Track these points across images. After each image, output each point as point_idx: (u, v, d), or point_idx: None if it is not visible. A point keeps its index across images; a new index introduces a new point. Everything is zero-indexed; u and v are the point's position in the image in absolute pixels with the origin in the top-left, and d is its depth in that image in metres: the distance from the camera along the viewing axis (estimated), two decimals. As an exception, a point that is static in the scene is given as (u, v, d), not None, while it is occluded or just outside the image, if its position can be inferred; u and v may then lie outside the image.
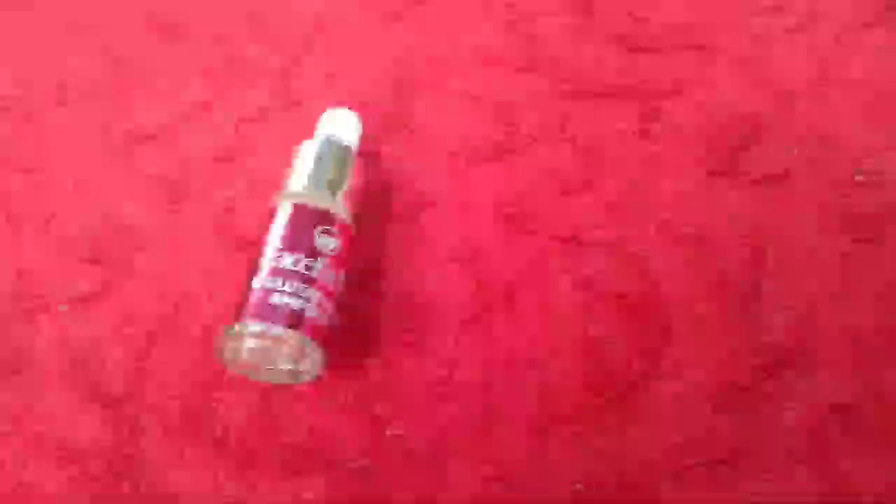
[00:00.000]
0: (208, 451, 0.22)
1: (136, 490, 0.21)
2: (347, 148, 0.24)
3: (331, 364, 0.22)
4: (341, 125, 0.25)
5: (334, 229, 0.22)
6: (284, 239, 0.22)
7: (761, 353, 0.23)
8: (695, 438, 0.22)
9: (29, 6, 0.31)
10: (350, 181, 0.24)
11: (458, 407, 0.22)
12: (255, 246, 0.22)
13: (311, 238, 0.22)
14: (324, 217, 0.22)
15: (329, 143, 0.24)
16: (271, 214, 0.22)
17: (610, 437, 0.22)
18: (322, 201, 0.22)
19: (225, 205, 0.26)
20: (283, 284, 0.21)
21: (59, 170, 0.27)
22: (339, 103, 0.28)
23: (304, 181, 0.23)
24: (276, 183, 0.24)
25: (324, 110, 0.28)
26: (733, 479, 0.21)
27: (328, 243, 0.22)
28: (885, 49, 0.28)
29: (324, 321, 0.21)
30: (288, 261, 0.21)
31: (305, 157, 0.23)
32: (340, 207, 0.23)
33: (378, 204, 0.26)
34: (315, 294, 0.21)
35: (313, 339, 0.21)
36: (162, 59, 0.30)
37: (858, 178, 0.25)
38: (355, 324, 0.24)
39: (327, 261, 0.22)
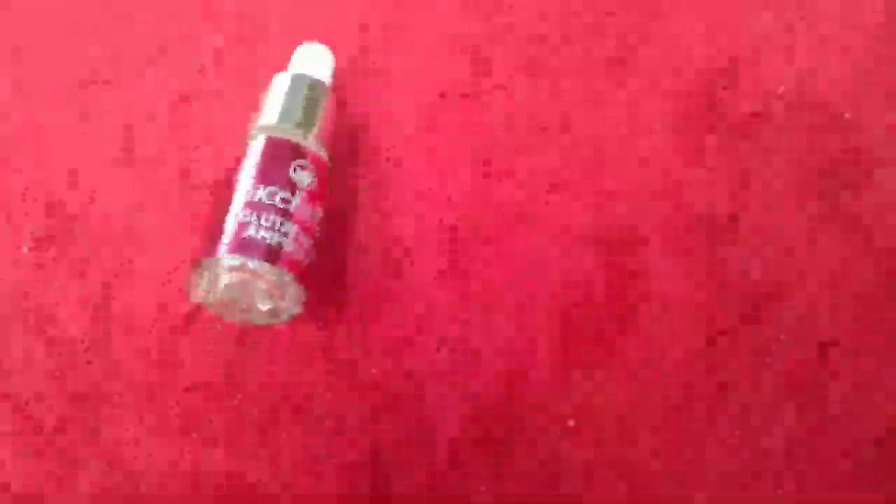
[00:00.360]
0: (171, 403, 0.21)
1: (91, 439, 0.21)
2: (320, 83, 0.23)
3: (305, 307, 0.21)
4: (314, 60, 0.24)
5: (309, 164, 0.22)
6: (259, 172, 0.21)
7: (741, 296, 0.22)
8: (680, 379, 0.21)
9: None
10: (324, 117, 0.23)
11: (435, 349, 0.22)
12: (218, 187, 0.22)
13: (287, 172, 0.21)
14: (298, 151, 0.21)
15: (301, 77, 0.23)
16: (243, 148, 0.22)
17: (595, 378, 0.21)
18: (296, 135, 0.22)
19: (183, 149, 0.25)
20: (260, 218, 0.20)
21: (14, 116, 0.27)
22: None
23: (276, 115, 0.22)
24: (235, 126, 0.23)
25: (286, 51, 0.27)
26: (721, 419, 0.21)
27: (304, 178, 0.21)
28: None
29: (301, 256, 0.21)
30: (263, 194, 0.21)
31: (277, 92, 0.22)
32: (315, 142, 0.22)
33: (349, 146, 0.25)
34: (292, 228, 0.21)
35: (291, 273, 0.20)
36: (117, 4, 0.29)
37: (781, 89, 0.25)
38: (329, 266, 0.23)
39: (304, 195, 0.21)
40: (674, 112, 0.25)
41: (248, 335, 0.23)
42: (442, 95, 0.26)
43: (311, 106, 0.22)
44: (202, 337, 0.23)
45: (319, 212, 0.22)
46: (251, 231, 0.20)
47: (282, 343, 0.22)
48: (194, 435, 0.22)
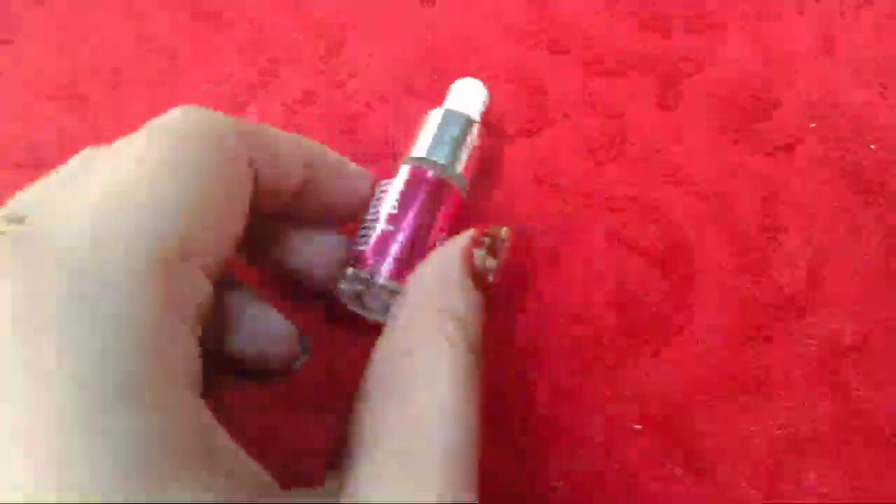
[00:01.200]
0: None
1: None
2: (468, 119, 0.25)
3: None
4: (467, 97, 0.26)
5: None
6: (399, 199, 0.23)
7: (778, 298, 0.26)
8: (723, 374, 0.24)
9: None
10: (470, 152, 0.24)
11: (523, 355, 0.25)
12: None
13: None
14: (439, 184, 0.23)
15: (451, 113, 0.24)
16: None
17: (648, 375, 0.25)
18: (439, 169, 0.23)
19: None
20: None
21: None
22: (380, 82, 0.31)
23: (424, 149, 0.24)
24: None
25: (367, 90, 0.31)
26: (760, 408, 0.24)
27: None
28: (885, 22, 0.31)
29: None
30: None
31: (428, 127, 0.24)
32: (456, 178, 0.24)
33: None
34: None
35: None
36: (207, 46, 0.33)
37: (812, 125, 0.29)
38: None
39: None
40: (720, 134, 0.29)
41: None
42: (505, 126, 0.30)
43: (455, 142, 0.24)
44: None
45: (444, 237, 0.23)
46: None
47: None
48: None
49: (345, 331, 0.26)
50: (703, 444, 0.23)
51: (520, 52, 0.32)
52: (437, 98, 0.30)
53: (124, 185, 0.16)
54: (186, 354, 0.15)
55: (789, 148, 0.29)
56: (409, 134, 0.29)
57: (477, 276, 0.20)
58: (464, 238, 0.21)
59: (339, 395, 0.25)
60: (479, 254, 0.21)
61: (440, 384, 0.17)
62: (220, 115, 0.19)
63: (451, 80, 0.31)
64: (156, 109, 0.18)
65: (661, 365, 0.25)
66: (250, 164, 0.19)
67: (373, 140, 0.30)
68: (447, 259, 0.21)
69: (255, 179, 0.19)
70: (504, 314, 0.26)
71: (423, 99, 0.31)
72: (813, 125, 0.29)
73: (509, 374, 0.25)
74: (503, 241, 0.22)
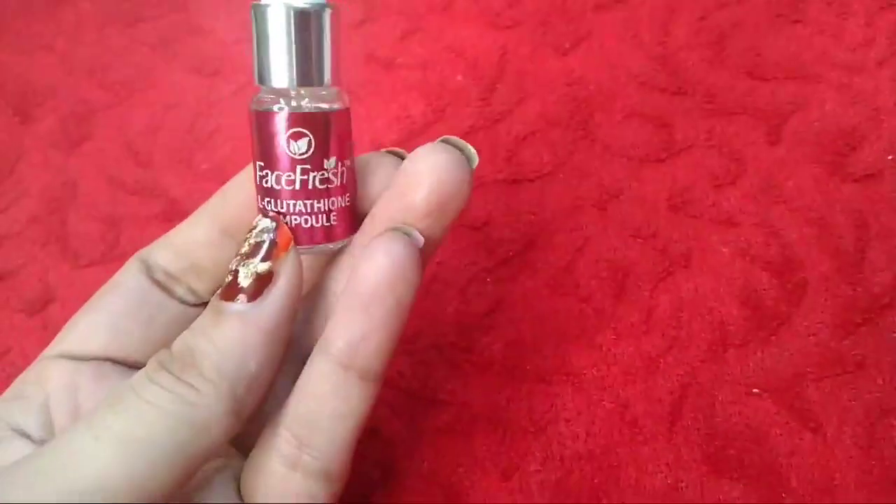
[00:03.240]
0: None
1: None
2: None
3: (550, 311, 0.33)
4: None
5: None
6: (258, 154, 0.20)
7: (869, 299, 0.34)
8: (827, 357, 0.32)
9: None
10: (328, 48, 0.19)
11: (658, 337, 0.33)
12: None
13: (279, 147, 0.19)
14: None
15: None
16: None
17: (770, 357, 0.33)
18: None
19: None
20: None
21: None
22: (530, 124, 0.40)
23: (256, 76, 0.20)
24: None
25: (519, 128, 0.39)
26: (857, 383, 0.32)
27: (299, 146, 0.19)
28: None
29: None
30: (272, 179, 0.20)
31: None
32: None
33: (573, 197, 0.37)
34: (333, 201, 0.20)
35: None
36: (385, 85, 0.42)
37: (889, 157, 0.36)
38: (565, 279, 0.35)
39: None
40: (817, 165, 0.37)
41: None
42: (640, 156, 0.38)
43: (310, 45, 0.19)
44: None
45: (347, 163, 0.20)
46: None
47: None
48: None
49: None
50: (812, 408, 0.31)
51: (644, 92, 0.40)
52: (578, 128, 0.39)
53: None
54: None
55: (873, 177, 0.37)
56: (556, 158, 0.37)
57: (224, 289, 0.18)
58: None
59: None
60: (241, 265, 0.18)
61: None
62: None
63: (591, 115, 0.39)
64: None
65: (778, 348, 0.33)
66: None
67: (528, 164, 0.39)
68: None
69: None
70: (641, 306, 0.34)
71: (566, 129, 0.39)
72: (890, 157, 0.37)
73: (648, 352, 0.33)
74: (259, 230, 0.19)
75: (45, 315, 0.37)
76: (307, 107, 0.19)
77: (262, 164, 0.19)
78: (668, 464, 0.30)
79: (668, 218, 0.36)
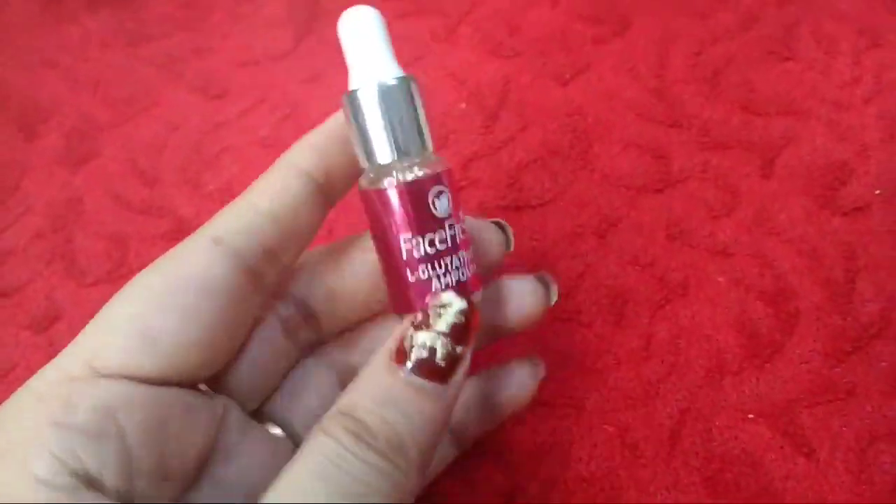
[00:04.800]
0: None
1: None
2: (402, 82, 0.20)
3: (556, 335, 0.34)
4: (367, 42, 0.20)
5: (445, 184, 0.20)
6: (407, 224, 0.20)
7: (859, 329, 0.35)
8: (819, 384, 0.34)
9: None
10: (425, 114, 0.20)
11: (657, 363, 0.34)
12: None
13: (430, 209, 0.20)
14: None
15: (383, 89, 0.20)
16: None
17: (764, 384, 0.34)
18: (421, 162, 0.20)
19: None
20: (436, 268, 0.20)
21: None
22: (531, 151, 0.41)
23: (388, 151, 0.20)
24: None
25: (521, 155, 0.40)
26: (849, 411, 0.33)
27: (445, 204, 0.20)
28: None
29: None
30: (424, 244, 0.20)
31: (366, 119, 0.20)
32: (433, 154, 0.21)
33: (573, 224, 0.38)
34: (463, 255, 0.21)
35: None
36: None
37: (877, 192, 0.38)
38: (567, 305, 0.36)
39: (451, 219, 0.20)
40: (808, 198, 0.39)
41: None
42: (638, 185, 0.40)
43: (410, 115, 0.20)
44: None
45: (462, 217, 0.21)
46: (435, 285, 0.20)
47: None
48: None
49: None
50: (805, 434, 0.33)
51: (641, 124, 0.42)
52: (578, 157, 0.40)
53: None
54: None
55: (861, 210, 0.39)
56: (557, 186, 0.39)
57: (420, 366, 0.18)
58: (403, 325, 0.19)
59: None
60: (419, 338, 0.18)
61: (296, 475, 0.16)
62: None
63: (590, 144, 0.41)
64: None
65: (773, 375, 0.34)
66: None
67: (530, 190, 0.40)
68: (376, 359, 0.19)
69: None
70: (641, 332, 0.35)
71: (566, 158, 0.41)
72: (878, 192, 0.39)
73: (648, 378, 0.34)
74: (457, 311, 0.19)
75: (51, 333, 0.37)
76: (427, 172, 0.20)
77: (408, 235, 0.20)
78: (667, 487, 0.31)
79: (665, 247, 0.37)
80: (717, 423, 0.33)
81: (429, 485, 0.31)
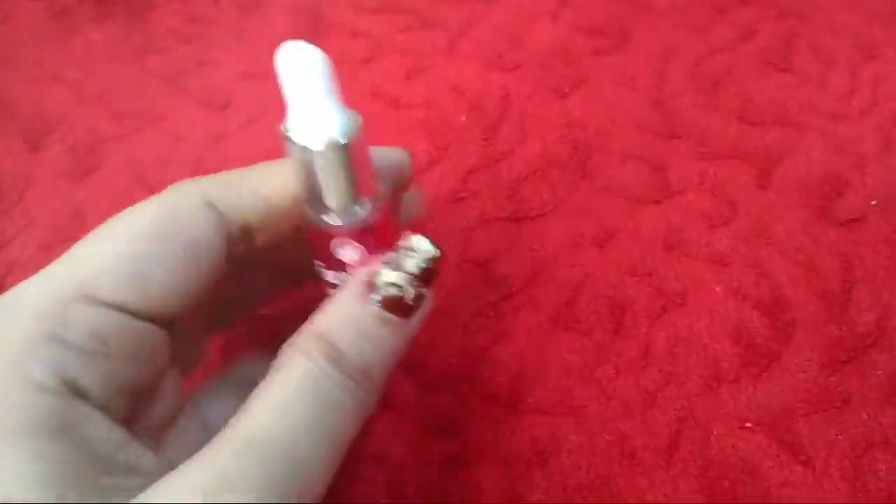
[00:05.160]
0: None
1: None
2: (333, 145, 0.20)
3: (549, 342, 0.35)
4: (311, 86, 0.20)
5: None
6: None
7: (854, 339, 0.36)
8: (815, 393, 0.34)
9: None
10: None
11: (655, 372, 0.35)
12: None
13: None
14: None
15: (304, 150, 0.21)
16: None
17: (761, 392, 0.34)
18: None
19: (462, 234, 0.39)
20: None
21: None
22: (531, 163, 0.41)
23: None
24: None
25: (521, 167, 0.41)
26: (844, 419, 0.34)
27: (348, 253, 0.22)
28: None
29: None
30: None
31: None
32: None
33: (572, 235, 0.39)
34: None
35: None
36: (390, 123, 0.44)
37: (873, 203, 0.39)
38: (566, 314, 0.36)
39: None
40: (805, 209, 0.39)
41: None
42: (636, 196, 0.40)
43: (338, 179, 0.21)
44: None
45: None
46: None
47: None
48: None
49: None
50: (801, 442, 0.33)
51: (640, 136, 0.42)
52: (578, 169, 0.41)
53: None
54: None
55: (858, 221, 0.39)
56: (556, 197, 0.39)
57: (388, 302, 0.20)
58: (370, 267, 0.21)
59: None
60: (389, 276, 0.21)
61: (273, 394, 0.18)
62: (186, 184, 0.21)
63: (589, 156, 0.41)
64: None
65: (770, 383, 0.34)
66: (212, 210, 0.20)
67: (529, 202, 0.40)
68: (349, 290, 0.21)
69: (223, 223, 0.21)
70: (639, 342, 0.36)
71: (565, 169, 0.41)
72: (874, 202, 0.40)
73: (646, 387, 0.35)
74: (426, 257, 0.21)
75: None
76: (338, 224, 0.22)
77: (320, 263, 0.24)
78: (665, 494, 0.32)
79: (663, 257, 0.38)
80: (715, 432, 0.33)
81: (427, 494, 0.31)
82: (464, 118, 0.43)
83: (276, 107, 0.43)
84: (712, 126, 0.42)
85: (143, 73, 0.47)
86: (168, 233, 0.20)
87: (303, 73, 0.19)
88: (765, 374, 0.35)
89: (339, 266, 0.22)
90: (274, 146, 0.43)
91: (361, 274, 0.21)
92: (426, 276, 0.21)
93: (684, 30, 0.46)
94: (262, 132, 0.44)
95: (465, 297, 0.37)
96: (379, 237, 0.22)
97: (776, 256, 0.38)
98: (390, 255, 0.21)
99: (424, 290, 0.21)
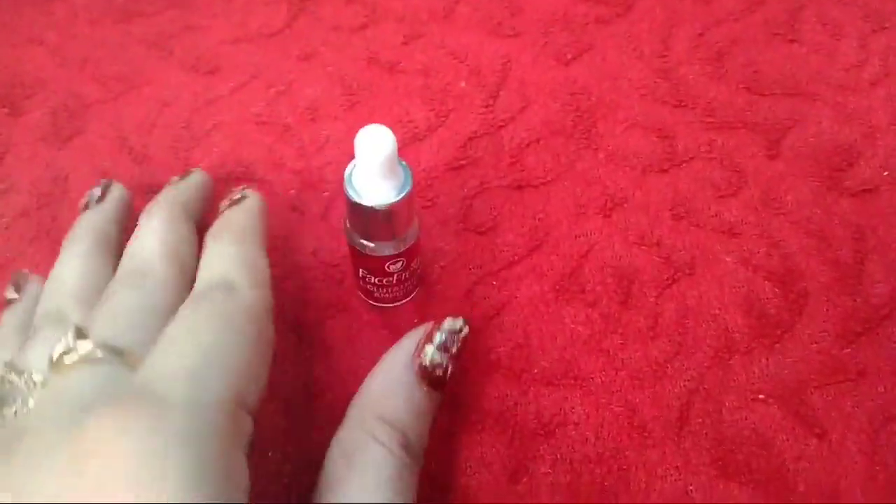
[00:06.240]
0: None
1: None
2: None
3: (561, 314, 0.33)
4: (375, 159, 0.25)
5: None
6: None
7: (869, 311, 0.35)
8: (829, 365, 0.33)
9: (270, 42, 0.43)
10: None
11: (665, 343, 0.34)
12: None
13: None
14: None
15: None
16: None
17: (774, 364, 0.33)
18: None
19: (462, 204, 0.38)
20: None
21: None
22: (533, 130, 0.40)
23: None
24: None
25: (523, 134, 0.40)
26: (860, 392, 0.33)
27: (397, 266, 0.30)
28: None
29: None
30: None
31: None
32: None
33: (577, 204, 0.38)
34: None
35: None
36: (387, 89, 0.42)
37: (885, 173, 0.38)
38: (571, 284, 0.35)
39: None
40: (815, 180, 0.38)
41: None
42: (643, 165, 0.39)
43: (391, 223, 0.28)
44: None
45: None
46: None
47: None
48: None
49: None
50: (816, 415, 0.32)
51: (646, 104, 0.41)
52: (582, 137, 0.39)
53: (210, 354, 0.21)
54: (243, 473, 0.20)
55: (870, 192, 0.38)
56: (560, 166, 0.38)
57: (426, 374, 0.25)
58: (414, 336, 0.27)
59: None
60: (429, 350, 0.26)
61: (369, 485, 0.22)
62: (258, 292, 0.24)
63: (594, 124, 0.40)
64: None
65: (782, 355, 0.33)
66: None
67: (532, 170, 0.39)
68: (395, 362, 0.26)
69: None
70: (647, 312, 0.35)
71: (569, 137, 0.40)
72: (886, 173, 0.39)
73: (655, 357, 0.34)
74: (458, 332, 0.27)
75: (33, 311, 0.36)
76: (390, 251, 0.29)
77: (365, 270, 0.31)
78: (677, 467, 0.31)
79: (671, 227, 0.37)
80: (727, 404, 0.32)
81: (433, 465, 0.30)
82: (463, 84, 0.42)
83: (264, 72, 0.42)
84: (719, 96, 0.41)
85: (127, 38, 0.45)
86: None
87: (376, 150, 0.24)
88: (777, 345, 0.34)
89: (388, 275, 0.30)
90: (265, 111, 0.42)
91: (406, 353, 0.26)
92: (459, 353, 0.27)
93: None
94: (251, 98, 0.42)
95: (466, 266, 0.36)
96: (412, 252, 0.30)
97: (787, 226, 0.37)
98: (433, 334, 0.27)
99: (452, 365, 0.26)
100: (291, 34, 0.45)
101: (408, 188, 0.26)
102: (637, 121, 0.40)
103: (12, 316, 0.29)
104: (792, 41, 0.43)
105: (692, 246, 0.36)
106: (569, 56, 0.43)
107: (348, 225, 0.29)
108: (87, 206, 0.32)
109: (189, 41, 0.45)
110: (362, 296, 0.34)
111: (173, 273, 0.25)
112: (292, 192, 0.39)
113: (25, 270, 0.32)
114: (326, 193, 0.38)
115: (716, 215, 0.37)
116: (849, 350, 0.33)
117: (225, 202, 0.30)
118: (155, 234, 0.27)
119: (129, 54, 0.44)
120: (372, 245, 0.28)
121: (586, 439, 0.31)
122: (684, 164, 0.38)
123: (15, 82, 0.44)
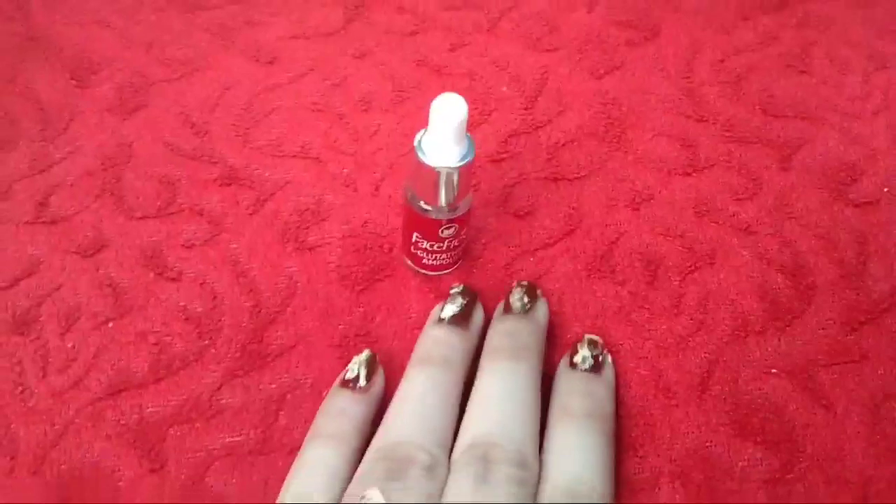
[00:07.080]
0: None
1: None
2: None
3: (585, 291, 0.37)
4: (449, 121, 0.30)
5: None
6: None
7: (871, 304, 0.39)
8: (835, 349, 0.37)
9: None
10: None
11: (687, 320, 0.38)
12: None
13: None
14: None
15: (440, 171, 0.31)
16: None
17: (785, 344, 0.37)
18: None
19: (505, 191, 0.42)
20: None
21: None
22: (569, 133, 0.45)
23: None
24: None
25: (559, 135, 0.44)
26: (863, 372, 0.37)
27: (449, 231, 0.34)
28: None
29: None
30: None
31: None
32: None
33: (608, 198, 0.42)
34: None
35: None
36: (434, 88, 0.47)
37: (885, 189, 0.43)
38: (602, 265, 0.39)
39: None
40: (823, 191, 0.43)
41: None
42: (668, 167, 0.44)
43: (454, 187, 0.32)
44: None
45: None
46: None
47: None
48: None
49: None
50: (823, 389, 0.36)
51: (671, 117, 0.46)
52: (613, 140, 0.44)
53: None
54: None
55: (871, 204, 0.43)
56: (593, 164, 0.42)
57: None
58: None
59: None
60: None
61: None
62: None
63: (624, 131, 0.45)
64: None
65: (793, 337, 0.37)
66: None
67: (567, 165, 0.44)
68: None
69: None
70: (672, 293, 0.39)
71: (602, 141, 0.45)
72: (886, 189, 0.44)
73: (679, 331, 0.37)
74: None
75: (97, 259, 0.39)
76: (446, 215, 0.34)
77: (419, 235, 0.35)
78: (698, 425, 0.34)
79: (694, 222, 0.41)
80: (743, 376, 0.36)
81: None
82: (505, 88, 0.46)
83: (320, 66, 0.46)
84: (738, 115, 0.46)
85: (190, 26, 0.50)
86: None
87: (449, 115, 0.29)
88: (788, 328, 0.38)
89: (440, 240, 0.34)
90: (321, 101, 0.46)
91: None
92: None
93: (710, 30, 0.50)
94: (308, 88, 0.46)
95: (506, 244, 0.40)
96: (464, 220, 0.34)
97: (797, 229, 0.41)
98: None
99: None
100: (346, 35, 0.49)
101: (470, 157, 0.30)
102: (663, 130, 0.44)
103: (357, 407, 0.32)
104: (803, 72, 0.48)
105: (712, 240, 0.40)
106: (601, 71, 0.48)
107: (409, 190, 0.33)
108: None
109: (249, 34, 0.49)
110: (411, 263, 0.37)
111: None
112: (345, 170, 0.42)
113: (375, 355, 0.34)
114: (377, 174, 0.42)
115: (734, 215, 0.41)
116: (852, 337, 0.37)
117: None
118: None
119: (192, 40, 0.49)
120: (430, 208, 0.33)
121: (615, 396, 0.35)
122: (706, 170, 0.43)
123: (83, 58, 0.47)
